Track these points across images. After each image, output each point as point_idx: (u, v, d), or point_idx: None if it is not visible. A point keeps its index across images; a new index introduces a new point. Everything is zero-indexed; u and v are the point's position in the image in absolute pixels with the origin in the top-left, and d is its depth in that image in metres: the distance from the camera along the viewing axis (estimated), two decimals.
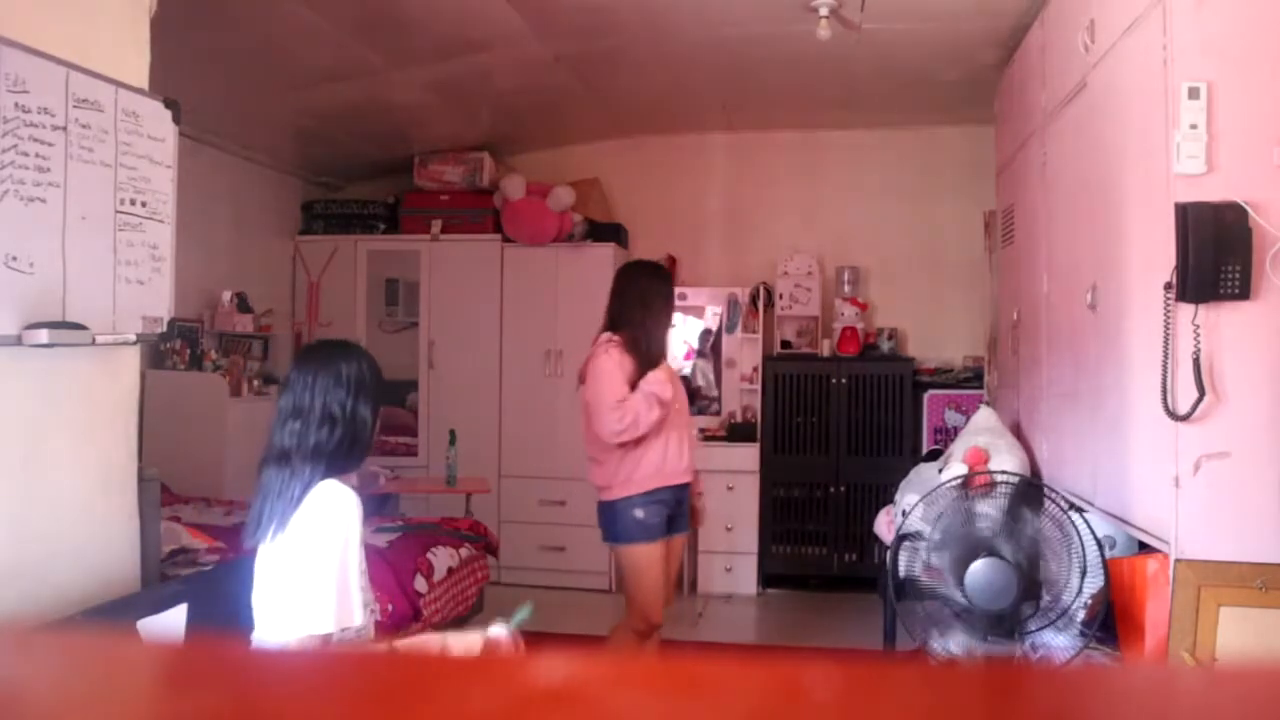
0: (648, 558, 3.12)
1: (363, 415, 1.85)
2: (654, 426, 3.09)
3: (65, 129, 2.27)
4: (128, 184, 2.49)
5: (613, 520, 3.16)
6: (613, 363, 3.11)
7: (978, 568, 2.67)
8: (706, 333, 5.65)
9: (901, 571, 3.56)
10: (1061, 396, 3.23)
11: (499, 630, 1.79)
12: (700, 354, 5.65)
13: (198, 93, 3.50)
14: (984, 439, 3.60)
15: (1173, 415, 2.23)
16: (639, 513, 3.11)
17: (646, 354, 3.15)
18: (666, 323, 3.35)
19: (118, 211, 2.46)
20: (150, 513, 2.63)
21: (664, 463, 3.15)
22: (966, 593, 2.64)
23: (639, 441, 3.10)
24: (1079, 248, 2.99)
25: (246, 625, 1.85)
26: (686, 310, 5.77)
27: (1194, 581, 2.21)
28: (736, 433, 5.31)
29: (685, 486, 3.25)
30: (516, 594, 5.11)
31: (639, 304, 3.22)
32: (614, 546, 3.26)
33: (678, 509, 3.22)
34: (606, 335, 3.20)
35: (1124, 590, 2.50)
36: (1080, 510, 2.75)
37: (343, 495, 1.79)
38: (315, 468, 1.80)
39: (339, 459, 1.83)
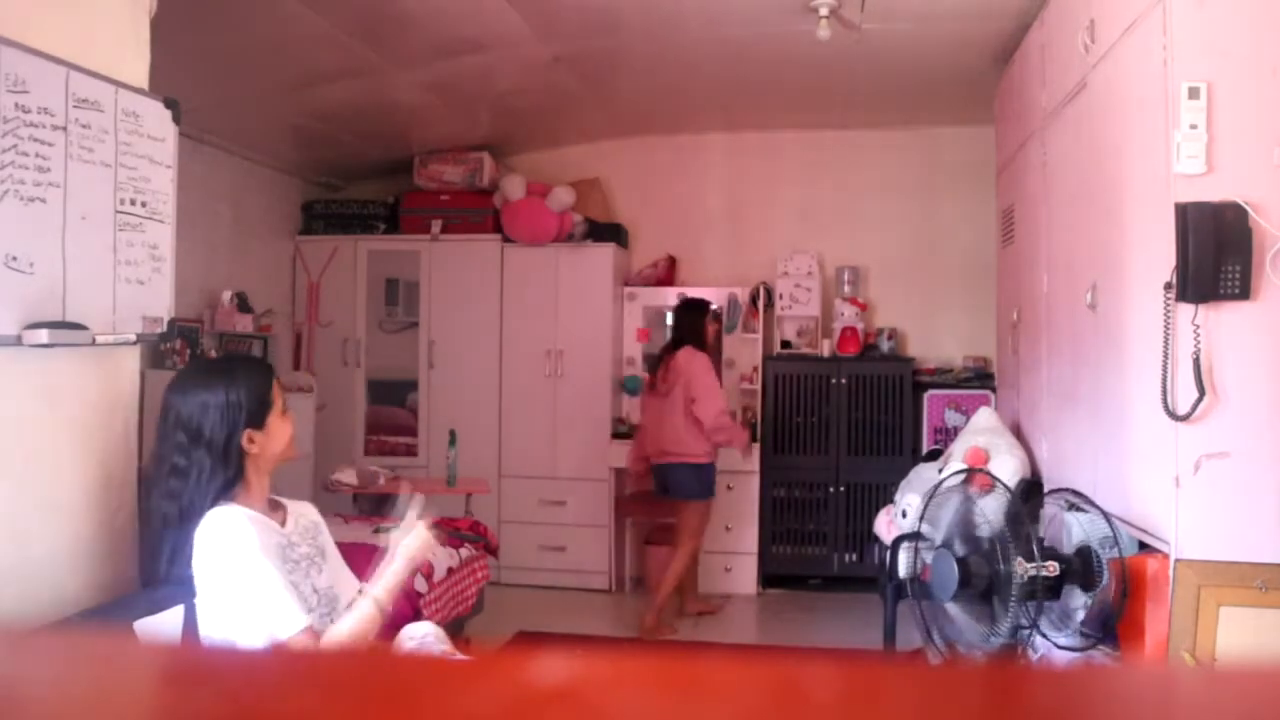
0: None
1: (232, 448, 1.87)
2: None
3: (65, 129, 2.27)
4: (128, 184, 2.49)
5: (711, 478, 4.59)
6: (709, 362, 4.58)
7: (934, 560, 2.73)
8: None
9: (901, 571, 3.56)
10: (1061, 396, 3.23)
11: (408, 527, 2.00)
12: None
13: (198, 93, 3.51)
14: (984, 439, 3.60)
15: (1173, 415, 2.23)
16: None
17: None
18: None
19: (118, 211, 2.46)
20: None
21: None
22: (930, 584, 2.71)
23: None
24: (1079, 248, 2.99)
25: None
26: None
27: (1194, 581, 2.21)
28: None
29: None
30: (517, 594, 5.14)
31: (692, 328, 4.63)
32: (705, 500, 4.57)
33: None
34: (688, 347, 4.54)
35: (1123, 590, 2.50)
36: (1080, 510, 2.75)
37: (222, 521, 1.81)
38: (193, 505, 1.83)
39: (216, 492, 1.85)
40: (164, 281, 2.65)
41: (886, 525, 4.08)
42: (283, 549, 1.88)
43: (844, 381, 5.21)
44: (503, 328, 5.47)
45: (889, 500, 4.28)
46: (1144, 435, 2.43)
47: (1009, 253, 4.11)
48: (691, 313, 4.70)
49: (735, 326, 5.46)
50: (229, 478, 1.86)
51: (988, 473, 3.07)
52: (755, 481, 5.21)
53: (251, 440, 1.89)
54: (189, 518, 1.81)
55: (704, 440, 4.47)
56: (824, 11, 3.63)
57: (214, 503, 1.83)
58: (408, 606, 3.27)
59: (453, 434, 4.64)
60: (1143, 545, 2.48)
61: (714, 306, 4.93)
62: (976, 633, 2.67)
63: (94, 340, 2.36)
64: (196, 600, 1.86)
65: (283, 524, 1.95)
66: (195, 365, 2.05)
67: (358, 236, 5.64)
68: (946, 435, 4.91)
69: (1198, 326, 2.20)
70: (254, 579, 1.78)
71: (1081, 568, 2.56)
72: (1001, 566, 2.55)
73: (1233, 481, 2.21)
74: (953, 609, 2.74)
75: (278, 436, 1.95)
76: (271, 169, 5.46)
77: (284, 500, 2.04)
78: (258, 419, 1.90)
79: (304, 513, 2.06)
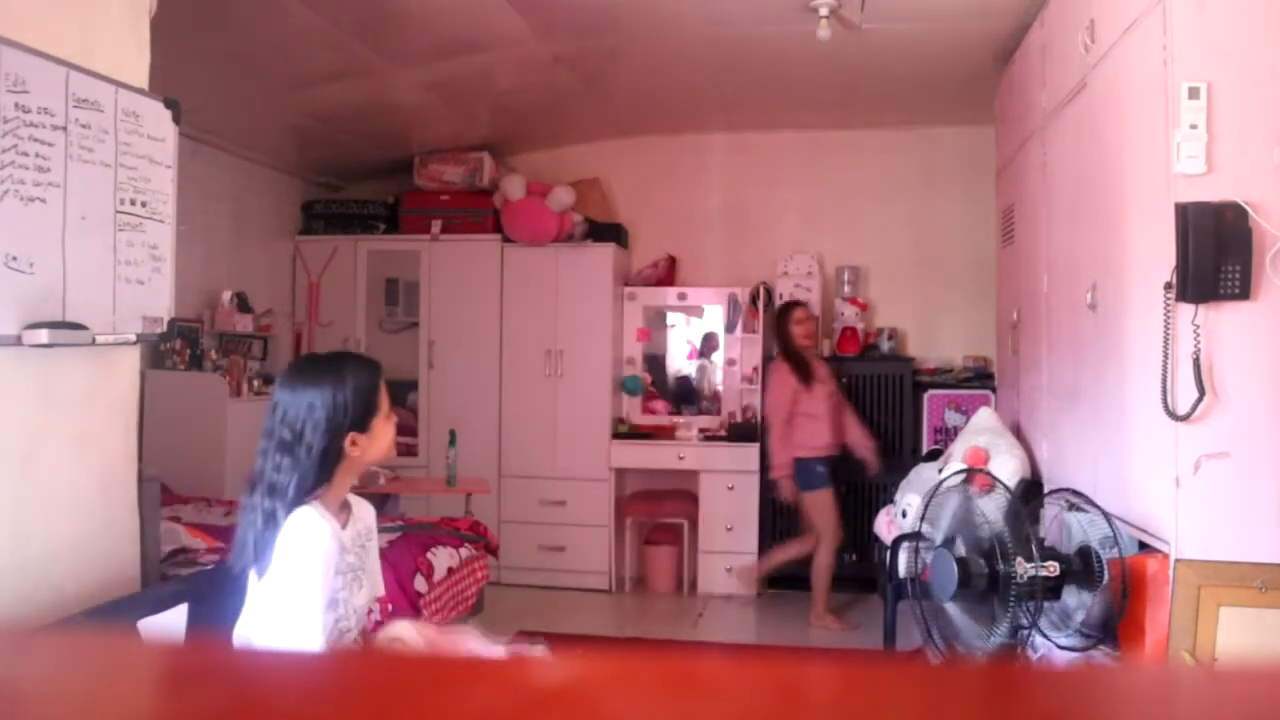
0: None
1: (332, 448, 1.82)
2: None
3: (65, 129, 2.27)
4: (128, 184, 2.49)
5: (811, 470, 4.62)
6: (781, 375, 4.74)
7: (933, 560, 2.73)
8: (709, 335, 5.68)
9: (901, 571, 3.56)
10: (1061, 396, 3.23)
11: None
12: (703, 354, 5.69)
13: (198, 93, 3.50)
14: (984, 439, 3.60)
15: (1173, 415, 2.23)
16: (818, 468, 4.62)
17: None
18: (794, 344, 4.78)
19: (118, 211, 2.46)
20: (150, 513, 2.63)
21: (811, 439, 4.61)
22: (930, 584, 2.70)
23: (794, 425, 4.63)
24: (1079, 248, 2.99)
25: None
26: (687, 310, 5.79)
27: (1194, 581, 2.21)
28: (736, 433, 5.32)
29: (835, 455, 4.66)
30: (516, 594, 5.14)
31: (779, 333, 4.81)
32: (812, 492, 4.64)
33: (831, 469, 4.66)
34: (777, 355, 4.80)
35: (1123, 590, 2.50)
36: (1080, 510, 2.75)
37: (304, 522, 1.77)
38: (281, 500, 1.78)
39: (302, 494, 1.80)
40: (164, 281, 2.65)
41: (886, 525, 4.08)
42: (340, 556, 1.84)
43: (844, 382, 5.21)
44: (503, 328, 5.47)
45: (889, 500, 4.29)
46: (1144, 435, 2.43)
47: (1009, 253, 4.11)
48: (777, 316, 4.86)
49: (735, 327, 5.47)
50: (322, 479, 1.82)
51: (988, 473, 3.07)
52: (755, 481, 5.21)
53: (354, 443, 1.84)
54: (283, 514, 1.77)
55: (795, 438, 4.62)
56: (824, 11, 3.63)
57: (301, 500, 1.79)
58: (408, 606, 3.27)
59: (453, 434, 4.64)
60: (1143, 545, 2.48)
61: (801, 303, 4.91)
62: (976, 633, 2.67)
63: (94, 340, 2.36)
64: (251, 595, 1.82)
65: (344, 526, 1.89)
66: (305, 362, 1.98)
67: (358, 236, 5.64)
68: (946, 435, 4.91)
69: (1198, 326, 2.20)
70: (307, 588, 1.74)
71: (1082, 568, 2.56)
72: (1001, 566, 2.55)
73: (1233, 481, 2.21)
74: (952, 609, 2.74)
75: (380, 440, 1.89)
76: (271, 169, 5.46)
77: (351, 499, 1.98)
78: (362, 422, 1.85)
79: (362, 516, 1.99)
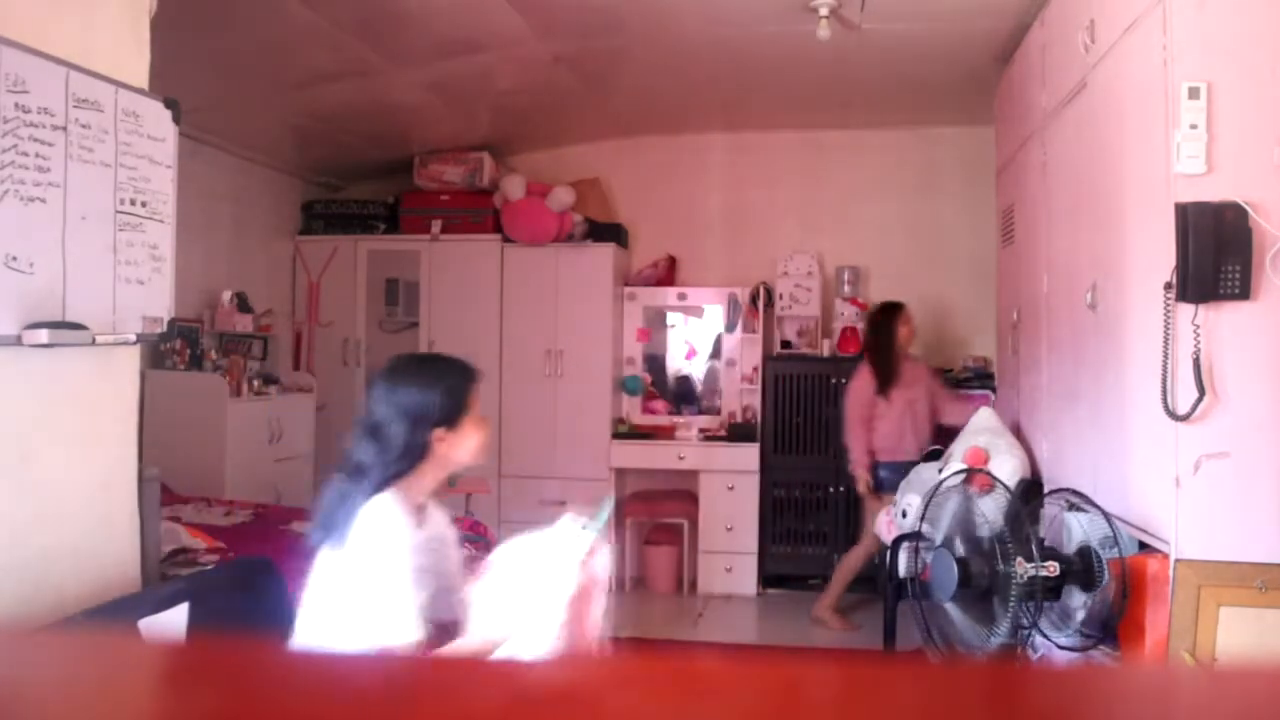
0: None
1: (418, 440, 1.86)
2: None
3: (65, 129, 2.27)
4: (128, 184, 2.49)
5: (881, 475, 4.51)
6: (860, 381, 4.59)
7: (934, 560, 2.73)
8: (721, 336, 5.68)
9: (901, 571, 3.56)
10: (1061, 396, 3.23)
11: (584, 534, 1.74)
12: (715, 355, 5.68)
13: (198, 93, 3.51)
14: (984, 439, 3.60)
15: (1173, 415, 2.23)
16: (881, 473, 4.53)
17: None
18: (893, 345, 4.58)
19: (118, 211, 2.46)
20: (150, 513, 2.63)
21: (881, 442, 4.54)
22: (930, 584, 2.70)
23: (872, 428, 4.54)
24: (1079, 248, 2.99)
25: (245, 625, 1.85)
26: (687, 310, 5.79)
27: (1194, 581, 2.21)
28: (736, 433, 5.32)
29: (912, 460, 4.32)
30: None
31: (868, 337, 4.73)
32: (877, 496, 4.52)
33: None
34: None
35: (1123, 590, 2.50)
36: (1080, 510, 2.75)
37: (381, 511, 1.79)
38: (364, 483, 1.82)
39: (385, 481, 1.84)
40: (164, 281, 2.65)
41: (886, 525, 4.08)
42: (427, 562, 1.85)
43: (844, 381, 5.20)
44: (503, 328, 5.47)
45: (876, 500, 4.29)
46: (1144, 435, 2.43)
47: (1009, 253, 4.11)
48: (878, 314, 4.65)
49: (735, 327, 5.47)
50: (405, 469, 1.87)
51: (988, 473, 3.08)
52: (755, 481, 5.21)
53: (441, 439, 1.89)
54: (361, 497, 1.81)
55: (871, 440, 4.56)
56: (824, 11, 3.63)
57: (381, 489, 1.83)
58: None
59: None
60: (1143, 545, 2.48)
61: (903, 303, 4.66)
62: (976, 633, 2.67)
63: (94, 340, 2.36)
64: (312, 584, 1.83)
65: (418, 526, 1.90)
66: (403, 359, 2.04)
67: (358, 236, 5.64)
68: (946, 435, 4.91)
69: (1198, 326, 2.20)
70: (390, 579, 1.75)
71: (1082, 568, 2.56)
72: (1001, 566, 2.55)
73: (1233, 481, 2.21)
74: (952, 609, 2.74)
75: (469, 440, 1.93)
76: (271, 169, 5.46)
77: (429, 503, 2.00)
78: (451, 420, 1.90)
79: (438, 522, 2.01)
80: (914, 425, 4.51)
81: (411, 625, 1.73)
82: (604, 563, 1.78)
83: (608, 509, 1.83)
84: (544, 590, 1.69)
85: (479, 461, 1.98)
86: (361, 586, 1.75)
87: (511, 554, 1.77)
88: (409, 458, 1.86)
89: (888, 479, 4.45)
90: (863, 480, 4.54)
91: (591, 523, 1.77)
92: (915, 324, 4.68)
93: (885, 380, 4.49)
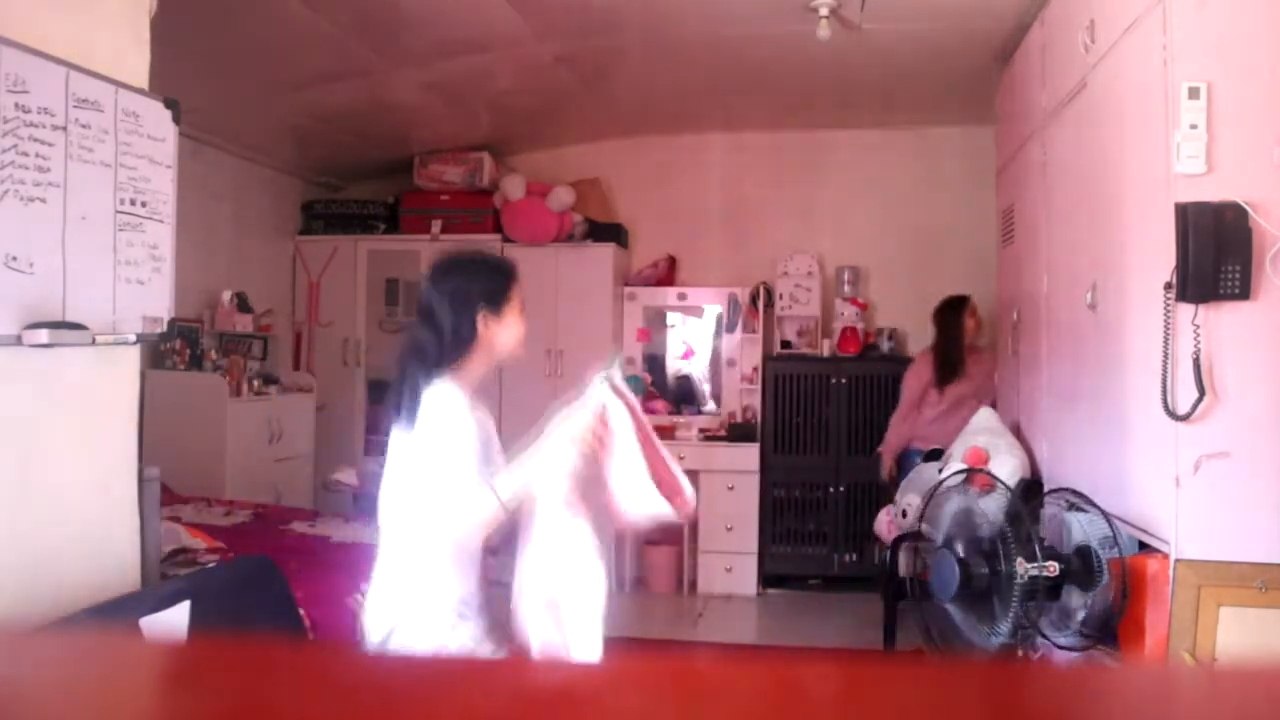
0: None
1: (466, 324, 2.05)
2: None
3: (65, 129, 2.27)
4: (128, 184, 2.49)
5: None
6: (913, 371, 4.62)
7: (935, 560, 2.73)
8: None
9: (901, 571, 3.57)
10: (1061, 396, 3.23)
11: (602, 387, 2.00)
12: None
13: (198, 93, 3.50)
14: (984, 439, 3.60)
15: (1173, 415, 2.23)
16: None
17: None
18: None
19: (118, 211, 2.46)
20: (150, 513, 2.63)
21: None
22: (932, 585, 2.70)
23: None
24: (1079, 248, 2.99)
25: (245, 625, 1.85)
26: (687, 310, 5.79)
27: (1194, 581, 2.21)
28: (736, 433, 5.32)
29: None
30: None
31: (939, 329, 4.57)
32: None
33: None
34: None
35: (1123, 590, 2.50)
36: (1080, 510, 2.75)
37: (443, 393, 1.98)
38: (424, 368, 2.00)
39: (443, 362, 2.02)
40: (164, 281, 2.65)
41: (886, 525, 4.08)
42: (483, 439, 2.03)
43: (844, 381, 5.21)
44: None
45: (889, 500, 4.28)
46: (1144, 435, 2.43)
47: (1009, 253, 4.11)
48: (944, 307, 4.57)
49: (735, 327, 5.47)
50: (457, 354, 2.04)
51: (988, 473, 3.07)
52: (755, 481, 5.21)
53: (486, 324, 2.07)
54: (424, 378, 2.00)
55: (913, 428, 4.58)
56: (824, 11, 3.63)
57: (437, 374, 2.00)
58: None
59: None
60: (1143, 545, 2.48)
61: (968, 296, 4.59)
62: (977, 633, 2.67)
63: (94, 340, 2.36)
64: (394, 455, 2.01)
65: (474, 409, 2.07)
66: (452, 254, 2.29)
67: (358, 236, 5.64)
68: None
69: (1198, 326, 2.20)
70: (464, 455, 1.95)
71: (1082, 568, 2.56)
72: (1003, 567, 2.55)
73: (1233, 481, 2.21)
74: (953, 609, 2.74)
75: (510, 329, 2.12)
76: (271, 169, 5.46)
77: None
78: (493, 305, 2.09)
79: (484, 410, 2.19)
80: (957, 422, 4.32)
81: (487, 497, 1.91)
82: (619, 405, 2.02)
83: (616, 360, 2.11)
84: (564, 431, 2.01)
85: (520, 354, 2.17)
86: (436, 465, 1.94)
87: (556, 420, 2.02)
88: (459, 341, 2.04)
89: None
90: (886, 466, 4.55)
91: (604, 375, 2.04)
92: (981, 316, 4.59)
93: (944, 375, 4.46)
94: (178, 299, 2.74)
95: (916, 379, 4.54)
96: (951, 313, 4.52)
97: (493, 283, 2.12)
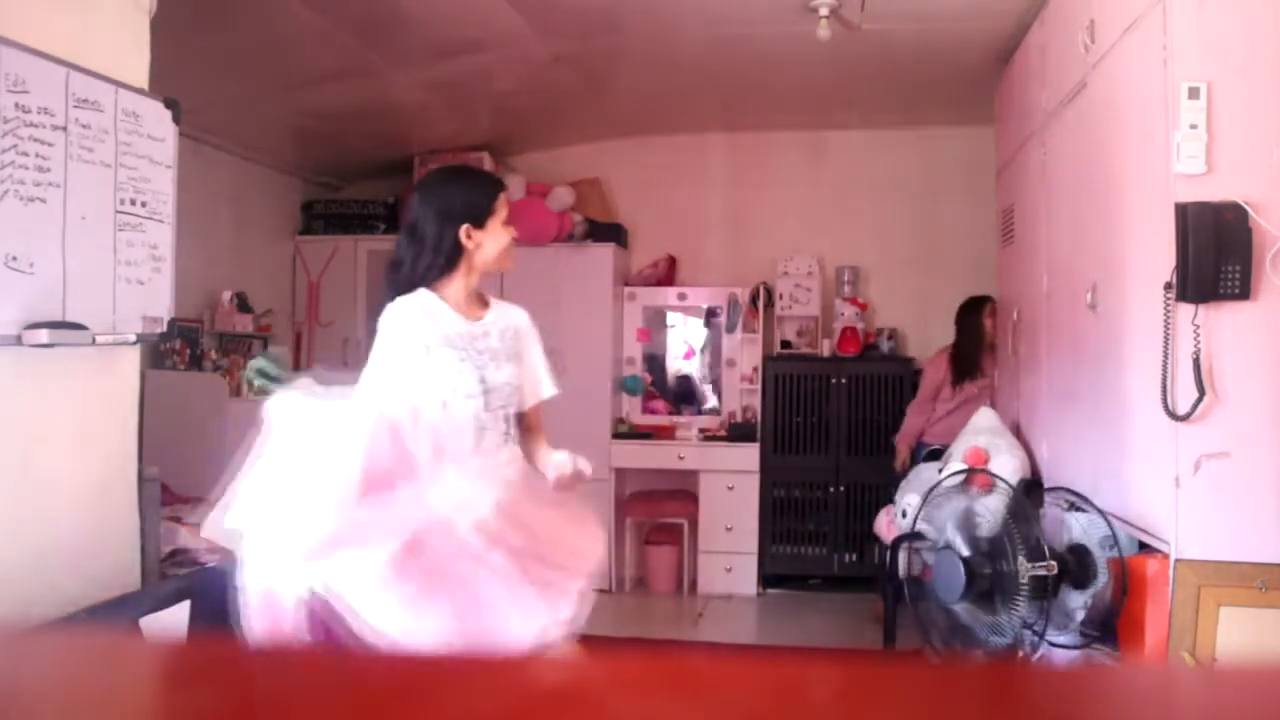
0: None
1: (449, 236, 2.10)
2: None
3: (65, 129, 2.27)
4: (128, 184, 2.49)
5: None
6: (932, 367, 4.68)
7: (937, 561, 2.72)
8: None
9: (901, 571, 3.57)
10: (1061, 396, 3.23)
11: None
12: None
13: (198, 93, 3.50)
14: (984, 439, 3.60)
15: (1172, 415, 2.23)
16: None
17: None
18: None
19: (118, 211, 2.46)
20: (150, 513, 2.63)
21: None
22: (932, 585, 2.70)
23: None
24: (1079, 248, 2.99)
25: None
26: (686, 310, 5.78)
27: (1194, 581, 2.21)
28: (736, 433, 5.31)
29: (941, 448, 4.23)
30: None
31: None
32: None
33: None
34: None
35: (1123, 590, 2.50)
36: (1080, 510, 2.75)
37: (396, 308, 2.06)
38: (394, 286, 2.10)
39: (425, 276, 2.10)
40: (164, 281, 2.65)
41: (886, 525, 4.09)
42: (466, 338, 2.12)
43: (844, 381, 5.21)
44: None
45: (889, 500, 4.28)
46: (1144, 435, 2.43)
47: (1009, 253, 4.11)
48: (966, 308, 4.61)
49: (735, 327, 5.46)
50: (442, 265, 2.11)
51: (988, 472, 3.08)
52: (755, 481, 5.21)
53: (469, 236, 2.12)
54: (389, 292, 2.09)
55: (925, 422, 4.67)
56: (824, 11, 3.63)
57: (422, 284, 2.09)
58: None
59: None
60: (1142, 545, 2.48)
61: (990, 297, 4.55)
62: (977, 633, 2.67)
63: (94, 340, 2.36)
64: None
65: (479, 318, 2.18)
66: (438, 168, 2.42)
67: (358, 236, 5.64)
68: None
69: (1198, 326, 2.20)
70: (386, 360, 2.04)
71: (1081, 568, 2.56)
72: (1005, 566, 2.55)
73: (1233, 481, 2.21)
74: (953, 608, 2.74)
75: (494, 240, 2.17)
76: (271, 169, 5.46)
77: (494, 300, 2.29)
78: (479, 220, 2.14)
79: (511, 316, 2.30)
80: (965, 421, 4.32)
81: (390, 401, 2.01)
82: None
83: (262, 359, 2.19)
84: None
85: (506, 265, 2.25)
86: (371, 366, 2.07)
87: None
88: (442, 253, 2.10)
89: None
90: (901, 455, 4.62)
91: (251, 377, 2.12)
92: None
93: (960, 373, 4.52)
94: (178, 299, 2.74)
95: (935, 371, 4.61)
96: (971, 313, 4.55)
97: (476, 194, 2.16)
